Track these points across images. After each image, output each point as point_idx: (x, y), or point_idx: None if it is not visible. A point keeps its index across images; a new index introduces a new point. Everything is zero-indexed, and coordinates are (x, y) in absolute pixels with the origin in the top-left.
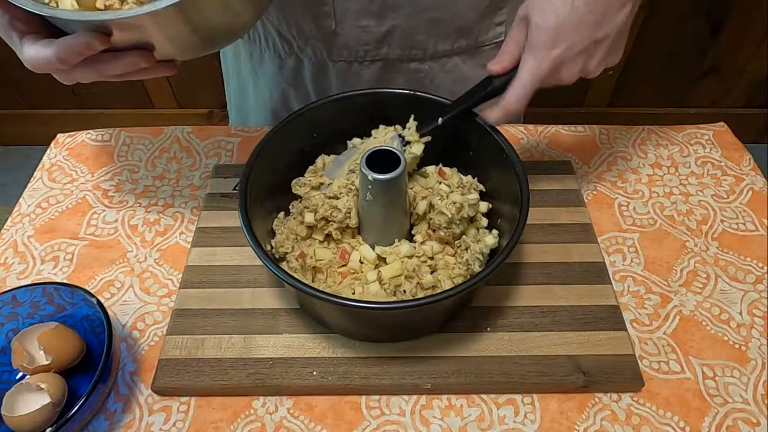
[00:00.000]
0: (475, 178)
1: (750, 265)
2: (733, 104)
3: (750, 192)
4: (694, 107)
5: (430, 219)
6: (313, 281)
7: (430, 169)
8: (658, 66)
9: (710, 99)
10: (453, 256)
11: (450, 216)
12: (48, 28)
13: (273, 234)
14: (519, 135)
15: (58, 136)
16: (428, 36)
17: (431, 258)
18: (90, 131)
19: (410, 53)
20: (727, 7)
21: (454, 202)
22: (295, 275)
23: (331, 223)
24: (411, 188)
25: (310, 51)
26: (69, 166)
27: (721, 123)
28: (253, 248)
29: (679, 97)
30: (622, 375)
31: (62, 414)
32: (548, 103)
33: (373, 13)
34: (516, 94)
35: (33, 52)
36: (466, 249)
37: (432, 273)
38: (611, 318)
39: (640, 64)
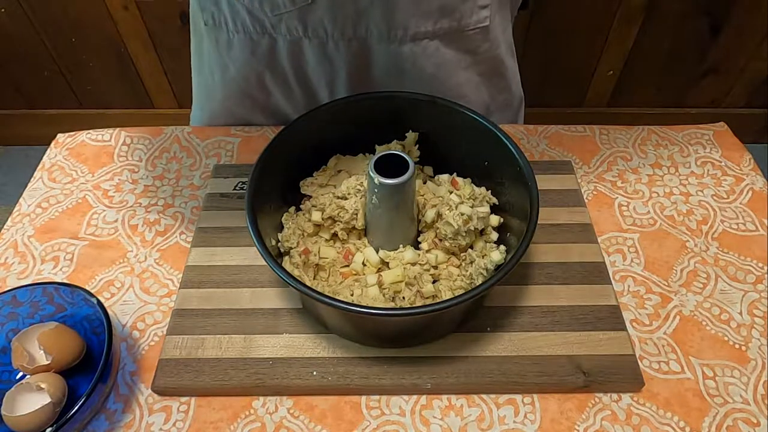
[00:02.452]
0: (489, 191)
1: (750, 265)
2: (733, 104)
3: (750, 192)
4: (694, 107)
5: (437, 228)
6: (314, 278)
7: (443, 177)
8: (658, 66)
9: (710, 99)
10: (458, 267)
11: (456, 227)
12: None
13: (281, 227)
14: (519, 135)
15: (58, 136)
16: (409, 14)
17: (435, 267)
18: (90, 131)
19: (389, 33)
20: (727, 7)
21: (462, 214)
22: (297, 271)
23: (338, 222)
24: (422, 195)
25: (285, 29)
26: (69, 166)
27: (721, 123)
28: (257, 247)
29: (679, 97)
30: (622, 375)
31: (62, 414)
32: (548, 103)
33: None
34: None
35: None
36: (471, 263)
37: (434, 283)
38: (611, 318)
39: (640, 64)
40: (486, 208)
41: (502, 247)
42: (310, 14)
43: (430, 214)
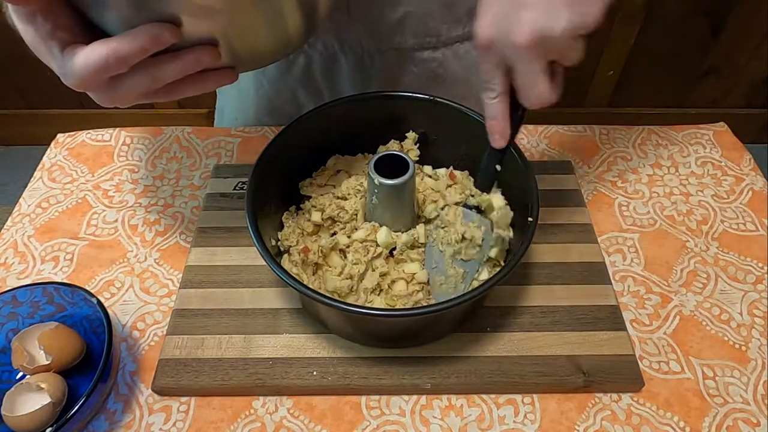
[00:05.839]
0: None
1: (750, 265)
2: (733, 104)
3: (750, 192)
4: (694, 107)
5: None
6: (314, 275)
7: (441, 172)
8: (658, 66)
9: (710, 99)
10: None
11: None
12: (91, 38)
13: (281, 226)
14: (519, 135)
15: (58, 136)
16: (441, 21)
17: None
18: (90, 131)
19: (424, 41)
20: (727, 7)
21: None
22: (296, 269)
23: (338, 223)
24: (421, 192)
25: (321, 45)
26: (69, 166)
27: (722, 123)
28: (257, 247)
29: (679, 97)
30: (622, 375)
31: (62, 414)
32: None
33: (387, 1)
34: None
35: (83, 56)
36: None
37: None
38: (611, 318)
39: (640, 64)
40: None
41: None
42: (347, 30)
43: (429, 209)
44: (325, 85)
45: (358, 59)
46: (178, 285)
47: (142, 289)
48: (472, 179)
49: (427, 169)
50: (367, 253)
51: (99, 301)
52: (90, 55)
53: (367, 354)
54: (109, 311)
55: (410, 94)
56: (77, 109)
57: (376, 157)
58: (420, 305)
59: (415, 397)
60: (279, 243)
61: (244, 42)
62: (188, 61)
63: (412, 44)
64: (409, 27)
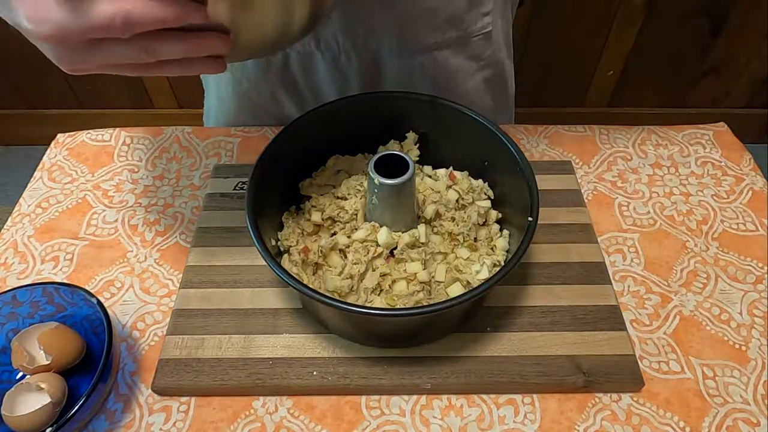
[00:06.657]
0: (486, 183)
1: (750, 265)
2: (734, 104)
3: (750, 192)
4: (694, 107)
5: (434, 227)
6: (314, 275)
7: (441, 172)
8: (658, 66)
9: (710, 99)
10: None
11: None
12: None
13: (281, 226)
14: (519, 135)
15: (58, 136)
16: (419, 27)
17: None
18: (90, 131)
19: (400, 46)
20: (727, 7)
21: (450, 200)
22: (296, 269)
23: (338, 223)
24: (421, 192)
25: (298, 44)
26: (69, 166)
27: (722, 123)
28: (257, 247)
29: (679, 97)
30: (622, 375)
31: (62, 414)
32: (548, 103)
33: (366, 2)
34: None
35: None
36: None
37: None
38: (611, 318)
39: (640, 64)
40: (487, 203)
41: (506, 231)
42: (323, 28)
43: (429, 210)
44: (304, 85)
45: (334, 59)
46: (178, 285)
47: (142, 289)
48: (471, 179)
49: (427, 169)
50: (368, 253)
51: (99, 301)
52: (100, 7)
53: (367, 354)
54: (109, 311)
55: (410, 94)
56: (77, 109)
57: (376, 157)
58: (420, 305)
59: (415, 397)
60: (279, 243)
61: (252, 32)
62: (198, 45)
63: (388, 48)
64: (385, 30)
